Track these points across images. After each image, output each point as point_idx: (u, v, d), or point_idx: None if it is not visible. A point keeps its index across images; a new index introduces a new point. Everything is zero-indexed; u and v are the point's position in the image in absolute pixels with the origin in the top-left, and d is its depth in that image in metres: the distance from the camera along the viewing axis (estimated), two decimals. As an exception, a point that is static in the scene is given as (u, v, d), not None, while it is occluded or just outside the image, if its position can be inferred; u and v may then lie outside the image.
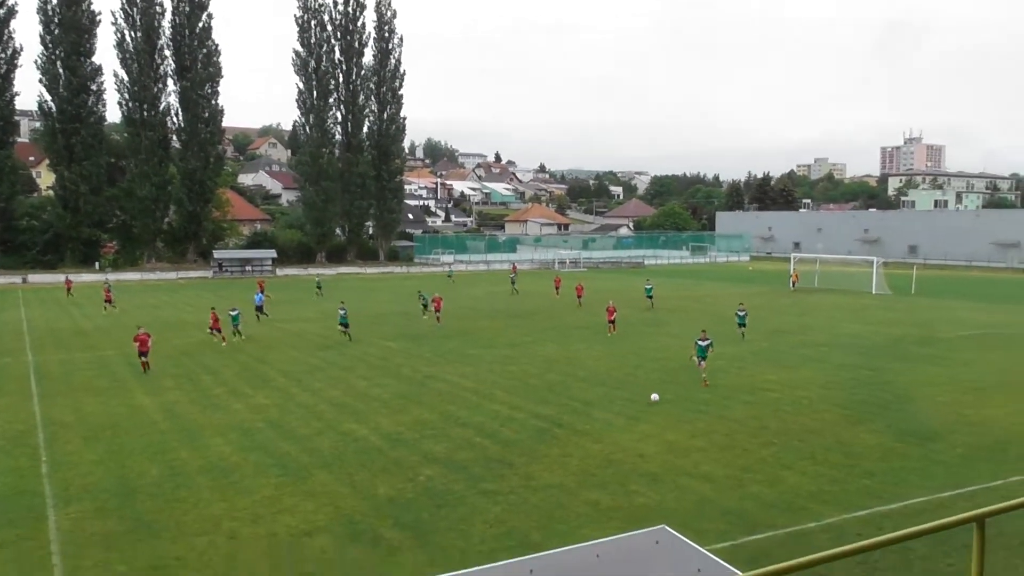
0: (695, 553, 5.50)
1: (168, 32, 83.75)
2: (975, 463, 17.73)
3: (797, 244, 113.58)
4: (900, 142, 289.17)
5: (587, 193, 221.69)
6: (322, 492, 15.83)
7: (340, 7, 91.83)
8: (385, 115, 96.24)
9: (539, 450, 18.63)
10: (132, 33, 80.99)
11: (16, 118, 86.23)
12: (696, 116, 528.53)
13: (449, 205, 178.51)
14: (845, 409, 22.77)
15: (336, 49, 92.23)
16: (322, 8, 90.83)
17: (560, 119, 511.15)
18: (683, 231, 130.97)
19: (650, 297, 49.76)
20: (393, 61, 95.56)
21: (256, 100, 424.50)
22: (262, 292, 45.78)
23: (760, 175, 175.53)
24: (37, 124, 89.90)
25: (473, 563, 10.37)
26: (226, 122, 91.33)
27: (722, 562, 5.39)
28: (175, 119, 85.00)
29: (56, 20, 77.36)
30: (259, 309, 43.62)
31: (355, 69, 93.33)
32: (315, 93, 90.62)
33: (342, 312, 36.78)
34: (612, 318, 37.63)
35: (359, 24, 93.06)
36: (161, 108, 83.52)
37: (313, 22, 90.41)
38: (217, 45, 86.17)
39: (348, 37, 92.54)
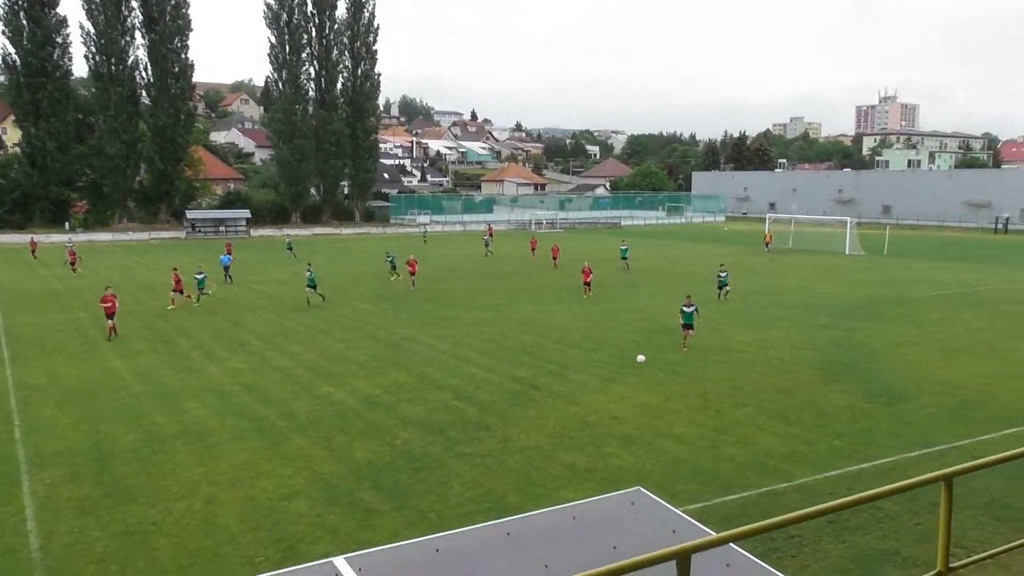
0: (670, 514, 5.56)
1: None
2: (943, 423, 18.09)
3: (772, 204, 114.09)
4: (875, 101, 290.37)
5: (564, 152, 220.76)
6: (299, 456, 15.86)
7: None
8: (359, 71, 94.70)
9: (515, 412, 18.75)
10: (98, -18, 78.78)
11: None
12: (673, 73, 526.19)
13: (425, 164, 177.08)
14: (817, 369, 23.09)
15: (308, 1, 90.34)
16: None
17: (536, 77, 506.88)
18: (659, 191, 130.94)
19: (625, 258, 49.85)
20: (367, 15, 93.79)
21: (227, 55, 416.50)
22: (229, 254, 45.29)
23: (736, 134, 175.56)
24: (1, 79, 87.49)
25: (450, 526, 10.47)
26: (197, 77, 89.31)
27: (697, 523, 5.46)
28: (144, 74, 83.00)
29: (18, -32, 75.03)
30: (226, 271, 43.20)
31: (328, 23, 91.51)
32: (287, 48, 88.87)
33: (308, 274, 36.38)
34: (588, 280, 37.54)
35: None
36: (129, 62, 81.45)
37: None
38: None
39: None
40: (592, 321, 31.11)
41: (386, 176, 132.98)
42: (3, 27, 75.64)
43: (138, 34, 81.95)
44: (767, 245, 64.47)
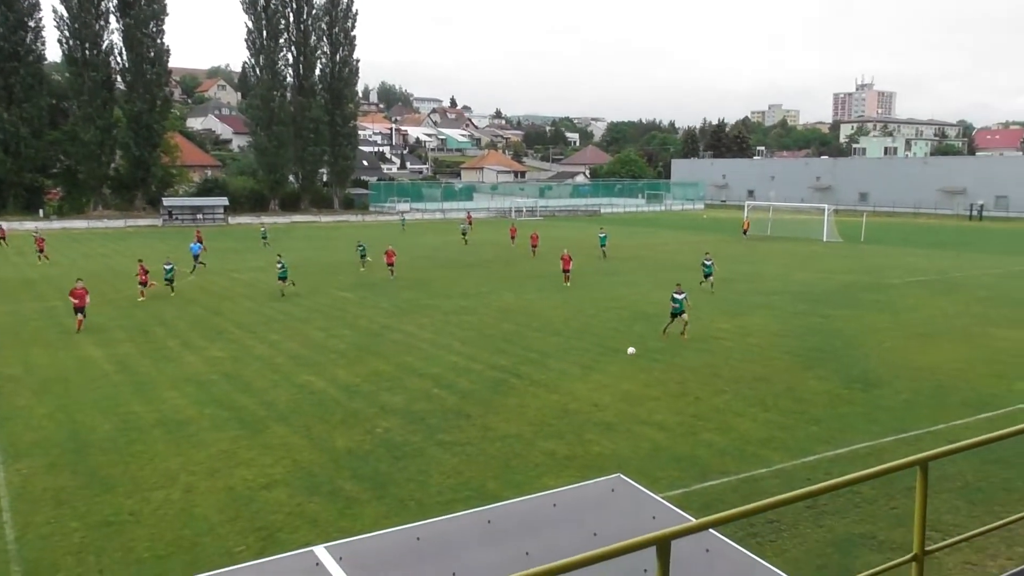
0: (650, 500, 5.60)
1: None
2: (919, 408, 18.30)
3: (751, 192, 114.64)
4: (852, 89, 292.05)
5: (543, 139, 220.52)
6: (279, 445, 15.80)
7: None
8: (338, 57, 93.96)
9: (496, 401, 18.77)
10: (70, -35, 77.52)
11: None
12: (652, 60, 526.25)
13: (404, 151, 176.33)
14: (795, 356, 23.28)
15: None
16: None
17: (516, 63, 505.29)
18: (639, 179, 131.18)
19: (603, 246, 49.89)
20: (345, 0, 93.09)
21: (204, 40, 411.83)
22: (199, 242, 44.76)
23: (715, 121, 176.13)
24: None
25: (431, 514, 10.47)
26: (173, 62, 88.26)
27: (676, 509, 5.50)
28: (119, 59, 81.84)
29: (-12, -49, 73.74)
30: (196, 258, 42.48)
31: (306, 8, 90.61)
32: (264, 33, 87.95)
33: (280, 266, 35.17)
34: (567, 268, 37.41)
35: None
36: (104, 47, 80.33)
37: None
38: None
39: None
40: (572, 309, 31.17)
41: (365, 163, 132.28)
42: (-26, 11, 74.44)
43: (113, 18, 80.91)
44: (745, 232, 64.78)
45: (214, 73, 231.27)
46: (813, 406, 18.42)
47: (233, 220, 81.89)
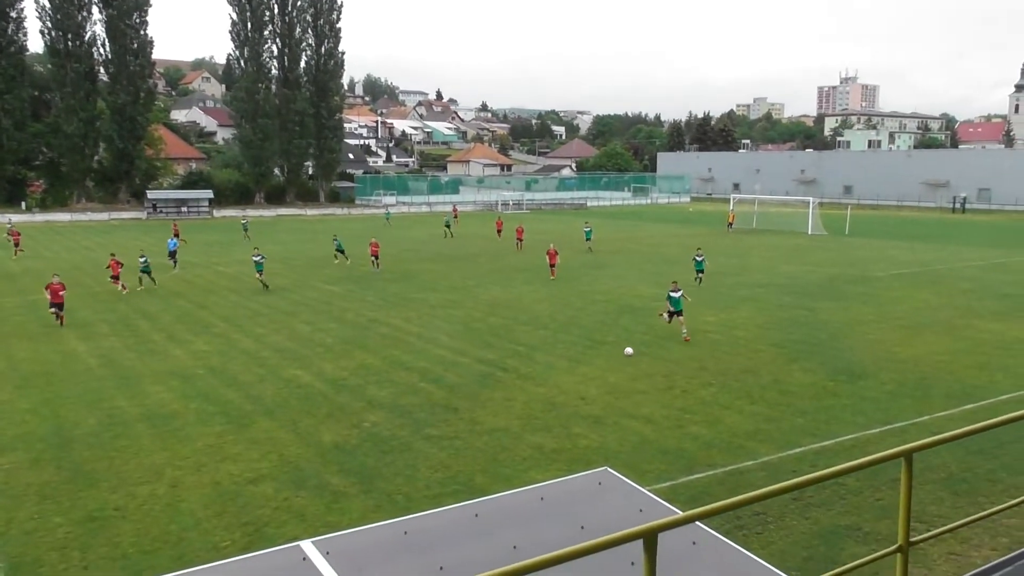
0: (637, 493, 5.62)
1: (91, -45, 79.55)
2: (903, 399, 18.42)
3: (736, 185, 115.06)
4: (837, 82, 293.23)
5: (529, 133, 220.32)
6: (266, 439, 15.75)
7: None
8: (323, 49, 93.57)
9: (483, 394, 18.77)
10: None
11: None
12: (638, 54, 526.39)
13: (390, 144, 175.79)
14: (781, 348, 23.38)
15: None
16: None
17: (502, 56, 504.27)
18: (625, 172, 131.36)
19: (589, 240, 49.92)
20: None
21: (188, 31, 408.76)
22: (176, 237, 44.27)
23: (701, 115, 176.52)
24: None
25: (418, 508, 10.47)
26: (156, 54, 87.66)
27: (663, 502, 5.52)
28: (102, 50, 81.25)
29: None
30: (172, 255, 41.41)
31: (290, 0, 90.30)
32: (249, 25, 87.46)
33: (257, 259, 34.77)
34: (554, 263, 37.30)
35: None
36: (86, 38, 79.70)
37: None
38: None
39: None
40: (559, 302, 31.19)
41: (351, 156, 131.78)
42: (-46, 2, 73.65)
43: (95, 9, 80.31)
44: (730, 225, 65.00)
45: (198, 65, 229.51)
46: (799, 398, 18.51)
47: (218, 213, 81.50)
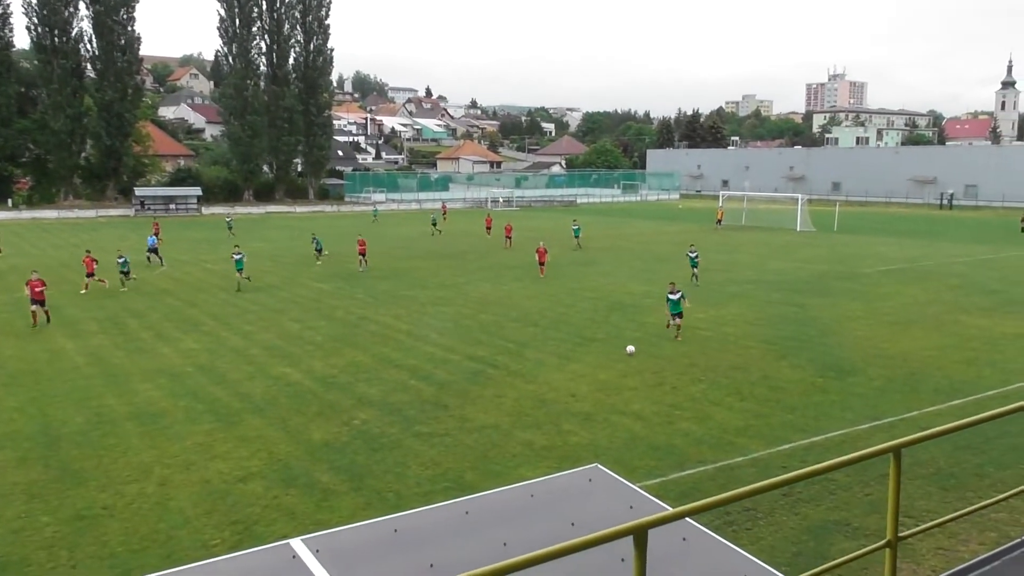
0: (627, 490, 5.63)
1: (77, -49, 78.93)
2: (892, 395, 18.51)
3: (726, 182, 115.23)
4: (825, 79, 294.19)
5: (519, 130, 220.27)
6: (255, 437, 15.69)
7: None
8: (312, 46, 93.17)
9: (473, 391, 18.76)
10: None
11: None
12: (627, 51, 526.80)
13: (380, 141, 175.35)
14: (770, 345, 23.45)
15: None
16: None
17: (491, 53, 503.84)
18: (614, 169, 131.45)
19: (577, 237, 49.88)
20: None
21: (176, 28, 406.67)
22: (156, 235, 43.96)
23: (690, 112, 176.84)
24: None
25: (409, 505, 10.47)
26: (144, 50, 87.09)
27: (653, 498, 5.52)
28: (89, 46, 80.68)
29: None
30: (153, 251, 41.16)
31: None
32: (237, 21, 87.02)
33: (237, 257, 34.24)
34: (543, 261, 37.07)
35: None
36: (73, 34, 79.13)
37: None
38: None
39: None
40: (549, 299, 31.20)
41: (340, 153, 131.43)
42: (-61, -4, 73.00)
43: (82, 5, 79.65)
44: (719, 222, 65.12)
45: (186, 61, 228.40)
46: (788, 394, 18.57)
47: (207, 210, 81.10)
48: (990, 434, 15.03)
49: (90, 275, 32.82)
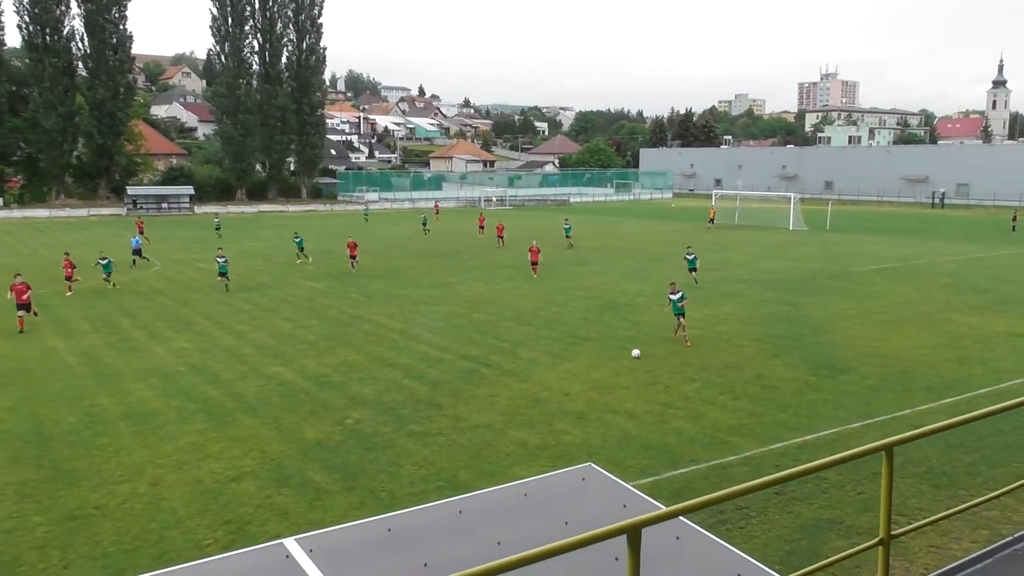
0: (620, 489, 5.64)
1: (69, -51, 78.65)
2: (884, 393, 18.55)
3: (718, 181, 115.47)
4: (817, 78, 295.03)
5: (512, 129, 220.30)
6: (248, 437, 15.65)
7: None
8: (304, 45, 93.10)
9: (467, 390, 18.74)
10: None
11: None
12: (620, 50, 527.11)
13: (373, 141, 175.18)
14: (763, 344, 23.49)
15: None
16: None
17: (485, 52, 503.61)
18: (608, 168, 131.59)
19: (568, 236, 49.84)
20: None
21: (168, 26, 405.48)
22: (141, 235, 43.64)
23: (683, 111, 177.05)
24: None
25: (402, 505, 10.46)
26: (136, 49, 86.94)
27: (647, 497, 5.54)
28: (80, 45, 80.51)
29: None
30: (137, 253, 40.62)
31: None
32: (230, 20, 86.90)
33: (221, 261, 33.76)
34: (535, 260, 36.82)
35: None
36: (65, 32, 78.95)
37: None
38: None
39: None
40: (542, 299, 31.20)
41: (333, 152, 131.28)
42: (-70, -6, 72.69)
43: (74, 3, 79.51)
44: (711, 221, 65.21)
45: (178, 60, 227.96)
46: (781, 393, 18.61)
47: (199, 209, 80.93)
48: (982, 432, 15.09)
49: (69, 277, 32.30)
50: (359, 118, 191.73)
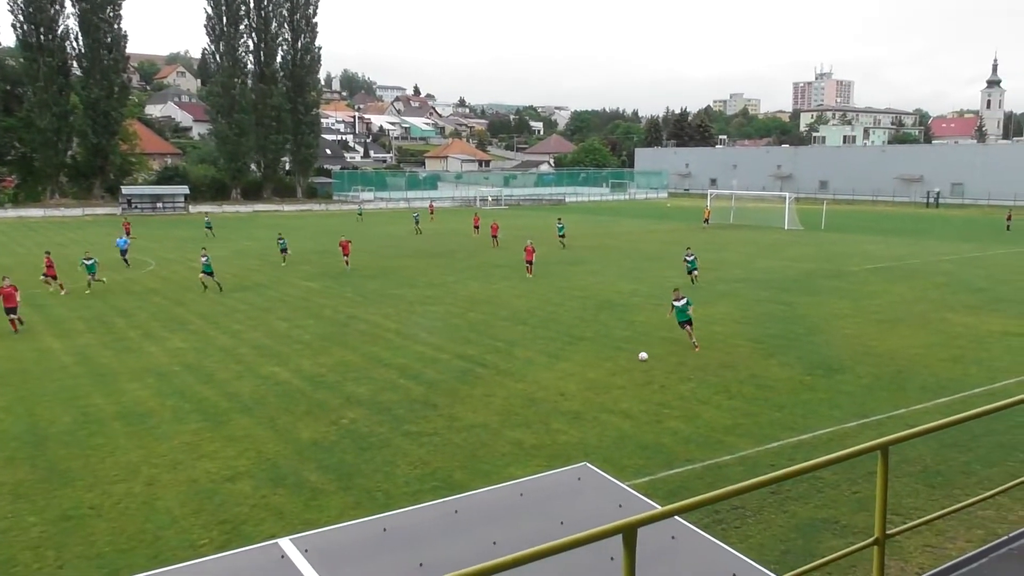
0: (616, 489, 5.64)
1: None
2: (879, 393, 18.59)
3: (714, 180, 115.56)
4: (812, 78, 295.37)
5: (507, 128, 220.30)
6: (243, 437, 15.63)
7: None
8: (299, 44, 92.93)
9: (462, 390, 18.74)
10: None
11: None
12: (615, 50, 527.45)
13: (368, 140, 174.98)
14: (758, 343, 23.52)
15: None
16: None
17: (480, 52, 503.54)
18: (603, 167, 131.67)
19: (562, 236, 49.71)
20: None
21: (162, 25, 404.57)
22: (127, 235, 43.40)
23: (678, 110, 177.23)
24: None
25: (398, 505, 10.44)
26: (130, 48, 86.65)
27: (642, 497, 5.53)
28: (75, 44, 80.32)
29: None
30: (123, 254, 40.26)
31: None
32: (224, 19, 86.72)
33: (204, 260, 33.54)
34: (530, 260, 36.77)
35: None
36: (59, 32, 78.74)
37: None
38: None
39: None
40: (538, 298, 31.20)
41: (328, 152, 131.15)
42: (-77, -6, 72.43)
43: (68, 2, 79.22)
44: (706, 221, 65.24)
45: (173, 59, 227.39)
46: (776, 393, 18.63)
47: (194, 209, 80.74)
48: (977, 431, 15.13)
49: (51, 276, 32.19)
50: (354, 118, 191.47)
